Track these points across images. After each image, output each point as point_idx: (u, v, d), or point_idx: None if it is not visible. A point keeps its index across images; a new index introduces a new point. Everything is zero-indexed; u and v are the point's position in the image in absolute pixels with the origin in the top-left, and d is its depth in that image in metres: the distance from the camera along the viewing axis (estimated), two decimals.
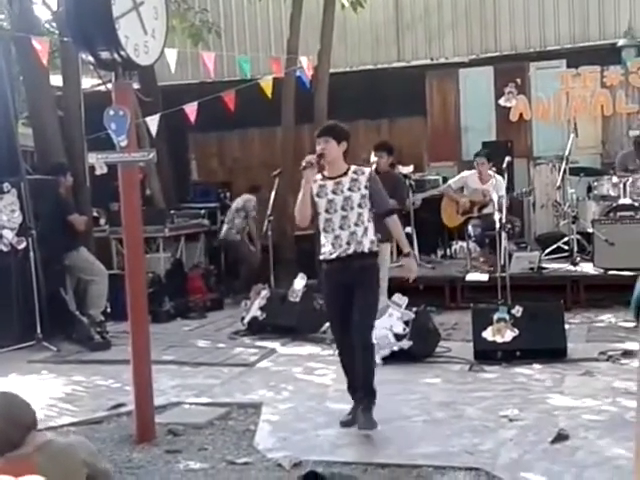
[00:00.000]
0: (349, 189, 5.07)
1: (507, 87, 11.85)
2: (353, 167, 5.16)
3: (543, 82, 11.54)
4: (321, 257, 5.19)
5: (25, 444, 2.67)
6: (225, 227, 11.03)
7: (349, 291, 5.02)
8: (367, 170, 5.21)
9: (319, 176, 5.15)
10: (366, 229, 5.07)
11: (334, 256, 5.07)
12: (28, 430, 2.71)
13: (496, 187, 8.90)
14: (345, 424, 5.11)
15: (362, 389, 5.08)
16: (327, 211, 5.09)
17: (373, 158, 8.13)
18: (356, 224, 5.04)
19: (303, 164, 5.01)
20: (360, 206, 5.06)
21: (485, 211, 9.41)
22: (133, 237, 5.25)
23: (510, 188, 9.80)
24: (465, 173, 10.02)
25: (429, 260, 10.52)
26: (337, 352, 5.34)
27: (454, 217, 9.90)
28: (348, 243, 5.04)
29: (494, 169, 9.45)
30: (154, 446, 5.01)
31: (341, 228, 5.05)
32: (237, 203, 11.06)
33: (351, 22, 12.84)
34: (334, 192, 5.09)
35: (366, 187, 5.08)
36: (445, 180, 11.40)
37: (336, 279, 5.11)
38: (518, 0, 12.72)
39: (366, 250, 5.06)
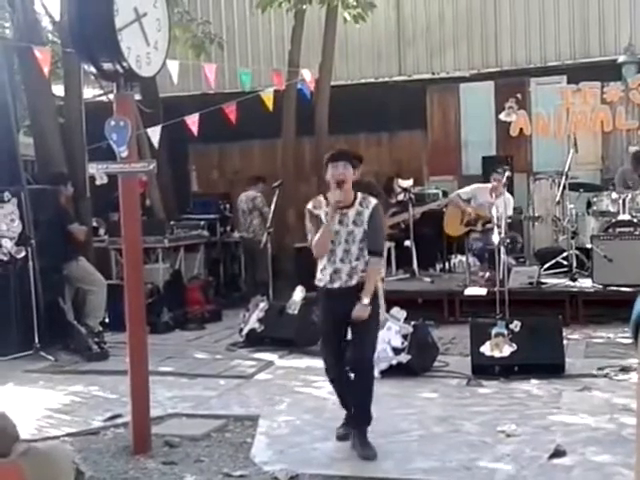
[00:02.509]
0: (353, 222, 4.90)
1: (507, 102, 11.88)
2: (360, 196, 4.96)
3: (543, 97, 11.58)
4: (319, 283, 5.03)
5: (12, 453, 2.77)
6: (243, 232, 11.09)
7: (347, 321, 4.91)
8: (372, 203, 4.96)
9: (323, 201, 4.96)
10: (367, 262, 4.93)
11: (335, 286, 4.93)
12: (14, 441, 2.82)
13: (505, 204, 8.90)
14: (341, 438, 5.06)
15: (360, 412, 5.01)
16: (332, 242, 4.92)
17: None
18: (357, 258, 4.91)
19: (335, 207, 4.81)
20: (362, 241, 4.92)
21: (488, 226, 9.40)
22: (132, 248, 5.25)
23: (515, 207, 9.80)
24: (476, 185, 9.99)
25: (428, 274, 10.52)
26: (329, 380, 5.18)
27: (457, 226, 9.87)
28: (349, 276, 4.91)
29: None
30: (150, 458, 4.99)
31: (342, 261, 4.91)
32: (245, 204, 11.09)
33: (353, 36, 12.90)
34: (340, 222, 4.91)
35: (368, 222, 4.90)
36: (445, 194, 11.42)
37: (336, 307, 4.94)
38: (519, 16, 12.79)
39: None
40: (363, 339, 4.93)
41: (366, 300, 4.86)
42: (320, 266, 5.02)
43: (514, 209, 10.11)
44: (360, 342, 4.92)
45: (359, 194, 4.99)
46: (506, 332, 6.62)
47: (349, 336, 5.02)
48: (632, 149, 11.31)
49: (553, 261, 9.94)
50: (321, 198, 5.01)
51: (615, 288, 8.75)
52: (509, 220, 8.47)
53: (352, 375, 5.05)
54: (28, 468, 2.73)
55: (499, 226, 7.96)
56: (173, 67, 8.11)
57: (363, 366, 4.95)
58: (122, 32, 4.78)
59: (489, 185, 9.61)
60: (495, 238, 7.83)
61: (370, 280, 4.92)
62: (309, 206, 4.99)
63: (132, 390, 5.15)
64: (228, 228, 12.05)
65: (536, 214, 10.64)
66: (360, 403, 4.99)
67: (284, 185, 9.64)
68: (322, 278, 5.00)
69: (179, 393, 6.57)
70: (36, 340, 8.03)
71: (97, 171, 5.30)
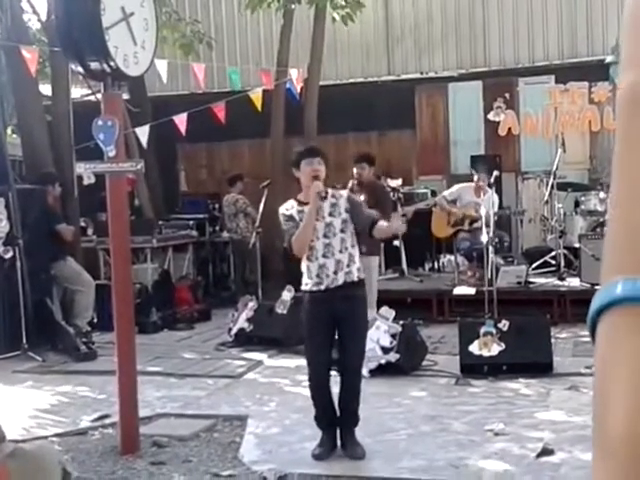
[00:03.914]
0: (330, 214, 4.86)
1: (496, 102, 11.91)
2: (330, 191, 4.94)
3: (531, 97, 11.61)
4: (305, 288, 4.94)
5: None
6: (231, 234, 11.12)
7: (336, 325, 4.84)
8: (344, 193, 5.03)
9: (293, 203, 4.96)
10: (351, 255, 4.87)
11: (322, 287, 4.83)
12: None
13: (489, 201, 8.93)
14: (317, 457, 4.87)
15: (347, 414, 4.95)
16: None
17: (355, 170, 8.12)
18: (340, 251, 4.84)
19: (322, 195, 4.78)
20: (342, 231, 4.86)
21: (475, 225, 9.44)
22: (120, 247, 5.24)
23: (499, 203, 9.85)
24: (460, 185, 10.03)
25: (417, 273, 10.53)
26: (312, 386, 4.99)
27: (444, 228, 9.91)
28: (335, 272, 4.82)
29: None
30: (138, 458, 4.99)
31: (324, 256, 4.83)
32: (228, 209, 11.12)
33: (341, 35, 12.90)
34: (315, 219, 4.87)
35: (346, 210, 4.88)
36: (434, 193, 11.44)
37: (323, 313, 4.83)
38: (507, 16, 12.83)
39: (356, 279, 4.87)
40: (352, 344, 4.87)
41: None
42: (304, 268, 4.92)
43: (502, 207, 10.13)
44: (350, 347, 4.88)
45: (330, 189, 4.98)
46: (494, 331, 6.64)
47: (336, 337, 4.99)
48: None
49: (541, 260, 9.97)
50: (291, 201, 5.00)
51: None
52: (496, 217, 8.49)
53: (339, 377, 5.01)
54: (14, 469, 2.72)
55: (487, 225, 7.98)
56: (162, 67, 8.09)
57: (352, 371, 4.92)
58: (109, 31, 4.77)
59: (473, 184, 9.66)
60: (484, 237, 7.85)
61: (386, 233, 5.19)
62: (281, 210, 4.97)
63: (120, 390, 5.14)
64: (217, 228, 12.03)
65: (521, 209, 10.69)
66: (348, 406, 4.95)
67: (273, 185, 9.64)
68: (308, 281, 4.90)
69: (168, 393, 6.56)
70: (24, 340, 8.00)
71: (85, 171, 5.31)
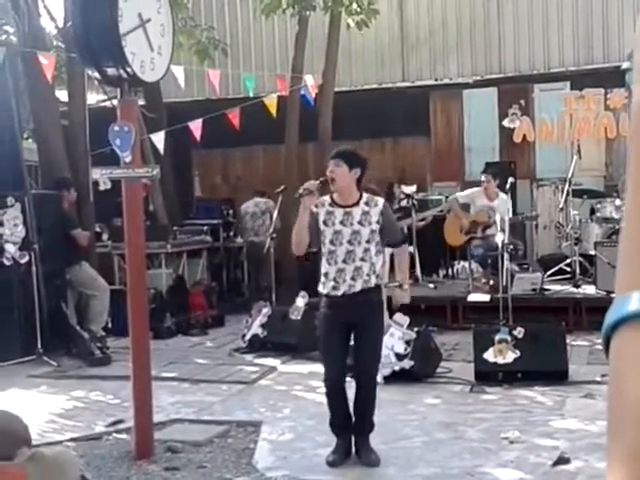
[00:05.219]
0: (359, 222, 4.79)
1: (511, 108, 11.89)
2: (365, 196, 4.88)
3: (547, 104, 11.58)
4: (322, 290, 4.89)
5: (17, 457, 2.76)
6: (251, 237, 11.11)
7: (351, 330, 4.81)
8: (380, 202, 4.89)
9: (328, 200, 4.89)
10: (372, 265, 4.80)
11: (339, 293, 4.79)
12: (19, 445, 2.80)
13: (504, 205, 8.91)
14: (331, 464, 4.84)
15: (362, 421, 4.92)
16: (332, 242, 4.81)
17: None
18: (362, 259, 4.78)
19: (300, 192, 4.75)
20: (368, 241, 4.79)
21: (488, 232, 9.41)
22: (135, 253, 5.25)
23: (513, 209, 9.82)
24: (473, 190, 10.01)
25: (431, 280, 10.50)
26: (326, 392, 4.98)
27: (457, 236, 9.88)
28: (353, 279, 4.77)
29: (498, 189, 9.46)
30: (153, 463, 4.99)
31: (344, 262, 4.78)
32: (257, 207, 11.14)
33: (356, 42, 12.91)
34: (342, 223, 4.81)
35: (377, 222, 4.81)
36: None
37: (339, 318, 4.80)
38: (522, 22, 12.80)
39: (372, 285, 4.82)
40: (368, 349, 4.84)
41: (405, 286, 5.18)
42: (323, 270, 4.88)
43: (515, 214, 10.09)
44: (365, 353, 4.84)
45: (365, 194, 4.92)
46: (509, 338, 6.61)
47: (352, 343, 4.98)
48: None
49: (556, 267, 9.92)
50: (327, 197, 4.95)
51: None
52: (505, 220, 8.46)
53: (355, 383, 4.99)
54: (32, 473, 2.72)
55: (503, 229, 7.95)
56: (178, 73, 8.12)
57: (367, 377, 4.89)
58: (126, 37, 4.79)
59: (482, 188, 9.65)
60: (498, 238, 7.82)
61: (403, 261, 5.25)
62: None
63: (135, 395, 5.15)
64: (231, 233, 12.06)
65: (534, 214, 10.66)
66: (363, 413, 4.92)
67: (287, 191, 9.65)
68: (325, 283, 4.86)
69: (182, 398, 6.56)
70: (39, 345, 8.03)
71: (101, 176, 5.31)
